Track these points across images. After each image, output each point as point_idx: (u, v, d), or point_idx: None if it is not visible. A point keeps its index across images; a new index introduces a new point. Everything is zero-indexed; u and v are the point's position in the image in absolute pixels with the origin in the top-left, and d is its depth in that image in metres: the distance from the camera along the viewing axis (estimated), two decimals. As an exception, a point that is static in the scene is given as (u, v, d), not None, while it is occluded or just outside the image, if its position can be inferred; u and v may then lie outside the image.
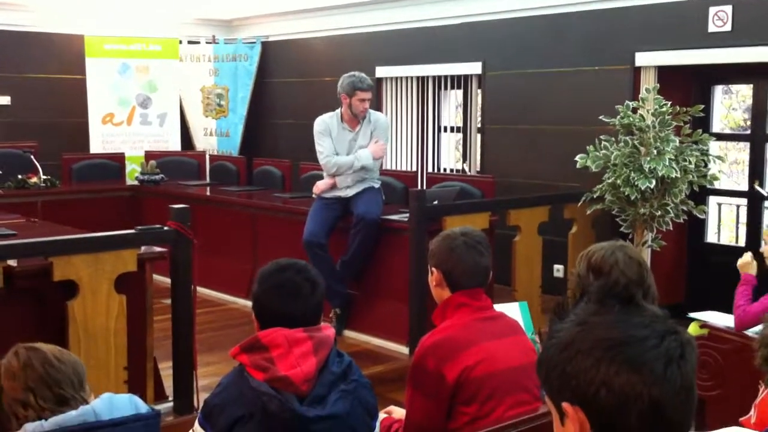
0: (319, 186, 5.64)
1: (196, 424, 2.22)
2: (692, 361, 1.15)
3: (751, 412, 2.51)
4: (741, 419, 2.48)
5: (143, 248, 3.97)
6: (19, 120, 8.45)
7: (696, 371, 1.16)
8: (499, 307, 2.85)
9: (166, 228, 3.99)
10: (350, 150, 5.57)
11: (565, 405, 1.16)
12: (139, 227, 4.04)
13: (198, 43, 9.41)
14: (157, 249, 4.07)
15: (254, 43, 9.40)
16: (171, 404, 4.10)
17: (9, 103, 8.49)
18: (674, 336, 1.14)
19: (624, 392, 1.11)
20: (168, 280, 4.13)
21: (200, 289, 5.61)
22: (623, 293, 1.19)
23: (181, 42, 9.19)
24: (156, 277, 4.23)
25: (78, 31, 8.68)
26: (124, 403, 2.07)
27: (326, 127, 5.59)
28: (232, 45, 9.46)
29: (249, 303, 6.29)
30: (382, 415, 2.72)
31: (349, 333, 5.58)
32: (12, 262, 3.65)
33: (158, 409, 2.39)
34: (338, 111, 5.61)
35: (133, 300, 3.86)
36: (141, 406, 2.11)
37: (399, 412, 2.77)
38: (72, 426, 1.96)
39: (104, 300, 3.74)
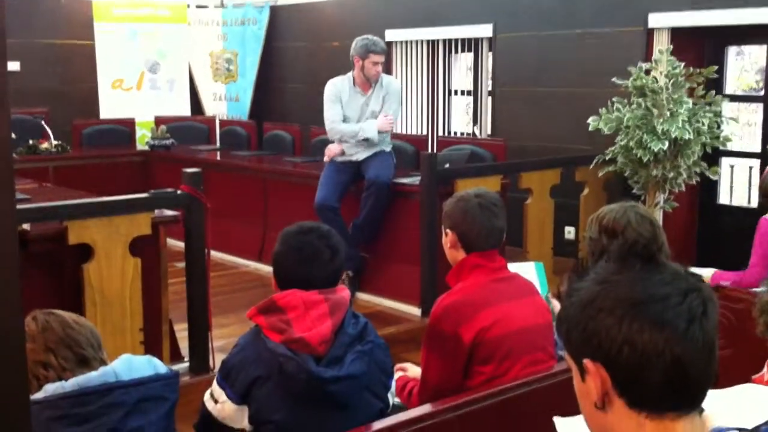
0: (332, 149, 5.63)
1: (215, 383, 2.24)
2: (714, 318, 1.15)
3: (764, 370, 2.52)
4: (754, 377, 2.49)
5: (156, 212, 3.98)
6: (29, 86, 8.43)
7: (717, 328, 1.17)
8: (515, 267, 2.86)
9: (179, 192, 4.00)
10: (361, 114, 5.56)
11: (586, 362, 1.17)
12: (153, 191, 4.06)
13: (206, 7, 9.36)
14: (171, 213, 4.08)
15: (263, 7, 9.33)
16: (187, 364, 4.14)
17: (18, 69, 8.46)
18: (696, 293, 1.14)
19: (647, 350, 1.11)
20: (181, 244, 4.15)
21: (213, 253, 5.63)
22: (643, 252, 1.19)
23: (189, 6, 9.14)
24: (170, 241, 4.25)
25: (86, -4, 8.64)
26: (142, 364, 2.09)
27: (336, 91, 5.56)
28: (241, 9, 9.39)
29: (260, 266, 6.37)
30: (397, 374, 2.74)
31: (361, 295, 5.61)
32: (26, 227, 3.67)
33: (176, 369, 2.41)
34: (350, 74, 5.58)
35: (147, 263, 3.88)
36: (160, 367, 2.13)
37: (414, 370, 2.79)
38: (93, 386, 1.98)
39: (119, 263, 3.77)
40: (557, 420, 1.78)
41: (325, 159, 5.67)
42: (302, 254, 2.26)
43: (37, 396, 1.97)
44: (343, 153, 5.57)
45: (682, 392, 1.14)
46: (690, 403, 1.16)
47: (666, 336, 1.11)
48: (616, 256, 1.21)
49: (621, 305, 1.13)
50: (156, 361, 2.15)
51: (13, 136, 6.62)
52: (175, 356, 4.16)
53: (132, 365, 2.06)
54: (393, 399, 2.44)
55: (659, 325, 1.11)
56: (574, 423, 1.86)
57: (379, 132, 5.49)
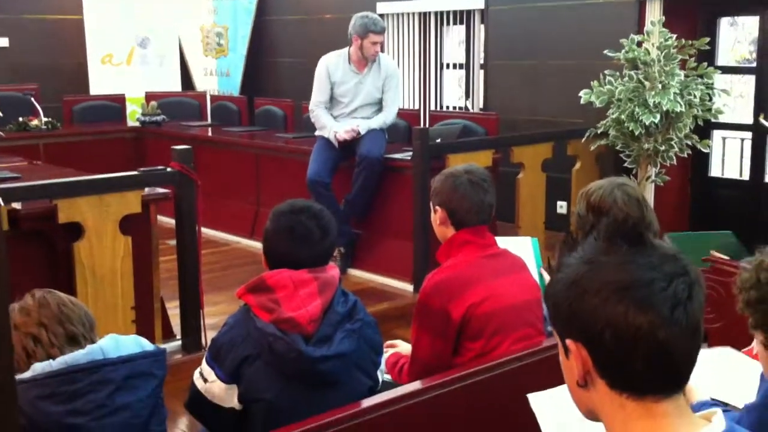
0: (349, 131, 5.52)
1: (204, 363, 2.25)
2: (700, 300, 1.15)
3: (753, 344, 2.53)
4: (744, 350, 2.51)
5: (147, 189, 3.97)
6: (18, 62, 8.37)
7: (703, 309, 1.17)
8: (511, 241, 2.86)
9: (169, 169, 3.99)
10: (356, 93, 5.53)
11: (569, 342, 1.17)
12: (142, 169, 4.04)
13: (196, -20, 9.26)
14: (161, 190, 4.07)
15: (253, -20, 9.24)
16: (179, 342, 4.15)
17: (7, 45, 8.40)
18: (682, 278, 1.14)
19: (629, 334, 1.11)
20: (173, 221, 4.14)
21: (204, 230, 5.63)
22: (632, 232, 1.18)
23: (178, -20, 9.05)
24: (161, 218, 4.24)
25: (74, -30, 8.54)
26: (129, 342, 2.11)
27: (327, 72, 5.52)
28: (231, -18, 9.31)
29: (253, 243, 6.36)
30: (387, 351, 2.75)
31: (353, 272, 5.62)
32: (17, 205, 3.66)
33: (164, 347, 2.41)
34: (346, 50, 5.54)
35: (138, 241, 3.88)
36: (147, 345, 2.14)
37: (404, 347, 2.80)
38: (81, 364, 1.99)
39: (110, 241, 3.76)
40: (531, 396, 1.79)
41: (344, 136, 5.48)
42: (293, 234, 2.26)
43: (25, 375, 1.98)
44: (358, 134, 5.51)
45: (665, 376, 1.15)
46: (673, 385, 1.16)
47: (649, 320, 1.11)
48: (604, 235, 1.20)
49: (606, 288, 1.13)
50: (142, 339, 2.16)
51: (0, 114, 6.47)
52: (167, 334, 4.17)
53: (119, 343, 2.07)
54: (383, 376, 2.45)
55: (643, 309, 1.11)
56: (547, 397, 1.88)
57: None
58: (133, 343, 2.10)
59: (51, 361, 1.99)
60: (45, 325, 2.04)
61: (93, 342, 2.08)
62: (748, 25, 6.44)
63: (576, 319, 1.16)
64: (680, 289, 1.13)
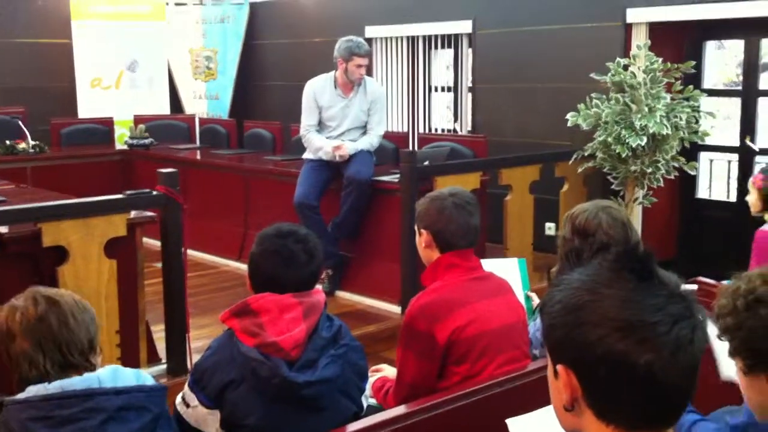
0: (343, 149, 5.50)
1: (186, 387, 2.23)
2: (702, 342, 1.13)
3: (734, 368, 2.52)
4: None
5: (133, 213, 3.95)
6: (6, 85, 8.36)
7: (704, 350, 1.14)
8: (497, 263, 2.85)
9: (155, 192, 3.97)
10: (343, 116, 5.55)
11: (560, 367, 1.15)
12: (128, 192, 4.02)
13: (185, 4, 9.30)
14: (147, 213, 4.05)
15: (242, 3, 9.28)
16: (164, 366, 4.12)
17: (-5, 69, 8.40)
18: (687, 321, 1.11)
19: (626, 373, 1.09)
20: (159, 244, 4.12)
21: (192, 253, 5.61)
22: (641, 266, 1.14)
23: (168, 4, 9.08)
24: (147, 240, 4.22)
25: (63, -6, 8.56)
26: (129, 375, 2.08)
27: (314, 96, 5.54)
28: (220, 6, 9.34)
29: (241, 266, 6.33)
30: (373, 375, 2.74)
31: (341, 293, 5.60)
32: (2, 228, 3.64)
33: (149, 371, 2.38)
34: (333, 74, 5.56)
35: (123, 264, 3.85)
36: (147, 380, 2.11)
37: (390, 371, 2.79)
38: (76, 390, 1.97)
39: (95, 265, 3.74)
40: (510, 421, 1.77)
41: (339, 157, 5.49)
42: (279, 258, 2.25)
43: (19, 396, 1.97)
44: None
45: (657, 414, 1.12)
46: (664, 422, 1.14)
47: (648, 362, 1.08)
48: (612, 265, 1.17)
49: (607, 323, 1.10)
50: (145, 375, 2.13)
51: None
52: (152, 358, 4.13)
53: (117, 375, 2.05)
54: (367, 401, 2.43)
55: (643, 351, 1.08)
56: (526, 422, 1.86)
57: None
58: (133, 376, 2.07)
59: (47, 384, 1.97)
60: (42, 348, 1.99)
61: (94, 367, 2.05)
62: (734, 48, 6.50)
63: (571, 346, 1.13)
64: (683, 333, 1.10)
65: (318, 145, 5.53)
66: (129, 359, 3.75)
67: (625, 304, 1.11)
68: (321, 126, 5.63)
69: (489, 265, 2.74)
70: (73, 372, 2.01)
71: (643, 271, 1.14)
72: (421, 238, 2.61)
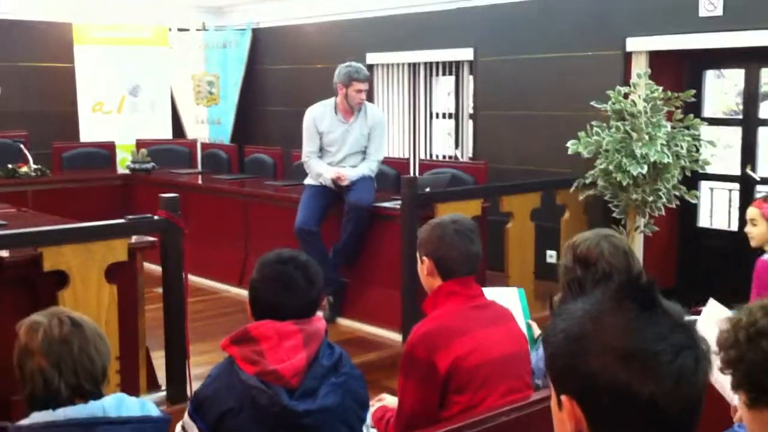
0: (343, 174, 5.51)
1: (186, 416, 2.21)
2: (705, 372, 1.12)
3: (736, 401, 2.51)
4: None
5: (134, 237, 3.95)
6: (9, 109, 8.39)
7: (708, 380, 1.13)
8: (497, 291, 2.84)
9: (156, 217, 3.97)
10: (343, 142, 5.56)
11: (564, 398, 1.14)
12: (129, 216, 4.02)
13: (188, 30, 9.35)
14: (148, 238, 4.05)
15: (244, 29, 9.34)
16: (164, 393, 4.09)
17: (-2, 92, 8.44)
18: (690, 351, 1.10)
19: (629, 403, 1.08)
20: (159, 269, 4.11)
21: (192, 278, 5.58)
22: (644, 294, 1.14)
23: (170, 29, 9.13)
24: (148, 265, 4.21)
25: (66, 19, 8.61)
26: (133, 405, 2.06)
27: (314, 122, 5.57)
28: (222, 32, 9.40)
29: (241, 291, 6.31)
30: (374, 404, 2.72)
31: (342, 320, 5.58)
32: (2, 252, 3.63)
33: (149, 396, 2.37)
34: (333, 100, 5.59)
35: (124, 289, 3.84)
36: (152, 410, 2.10)
37: (391, 400, 2.77)
38: (80, 418, 1.95)
39: (95, 290, 3.73)
40: None
41: (341, 181, 5.50)
42: (278, 284, 2.24)
43: (24, 422, 1.96)
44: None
45: None
46: None
47: (651, 392, 1.07)
48: (614, 294, 1.16)
49: (609, 352, 1.09)
50: (150, 405, 2.12)
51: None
52: (152, 384, 4.11)
53: (122, 404, 2.03)
54: (368, 431, 2.41)
55: (646, 381, 1.07)
56: None
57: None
58: (138, 406, 2.06)
59: (51, 410, 1.96)
60: (61, 371, 1.97)
61: (101, 395, 2.03)
62: (734, 76, 6.53)
63: (574, 376, 1.12)
64: (687, 363, 1.09)
65: (318, 171, 5.55)
66: (129, 385, 3.73)
67: (627, 333, 1.10)
68: (322, 151, 5.65)
69: (488, 293, 2.73)
70: (80, 399, 1.99)
71: (645, 300, 1.13)
72: (423, 266, 2.60)
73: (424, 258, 2.60)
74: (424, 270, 2.61)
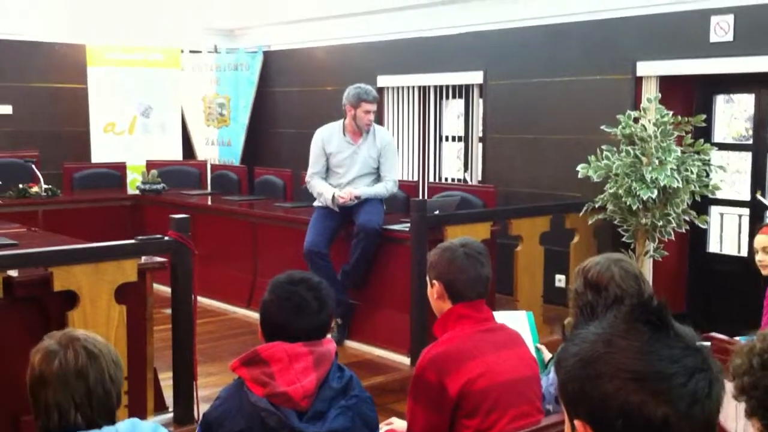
0: (345, 195, 5.51)
1: (196, 437, 2.20)
2: (718, 396, 1.11)
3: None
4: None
5: (143, 258, 3.95)
6: (21, 129, 8.45)
7: (721, 404, 1.13)
8: (506, 315, 2.83)
9: (166, 238, 3.98)
10: (351, 163, 5.57)
11: (577, 423, 1.14)
12: (139, 237, 4.03)
13: (200, 52, 9.42)
14: (158, 259, 4.05)
15: (256, 52, 9.40)
16: (171, 415, 4.08)
17: (11, 113, 8.49)
18: (703, 374, 1.10)
19: (642, 426, 1.07)
20: (169, 290, 4.11)
21: (201, 299, 5.59)
22: (655, 317, 1.14)
23: (182, 51, 9.20)
24: (156, 286, 4.21)
25: (80, 41, 8.69)
26: (147, 429, 2.05)
27: (322, 144, 5.59)
28: (234, 54, 9.46)
29: (250, 313, 6.31)
30: (383, 428, 2.70)
31: (350, 343, 5.56)
32: (12, 272, 3.64)
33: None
34: (342, 122, 5.61)
35: (133, 310, 3.84)
36: None
37: (400, 424, 2.75)
38: None
39: (104, 310, 3.73)
40: None
41: (340, 201, 5.50)
42: (290, 305, 2.24)
43: None
44: (357, 198, 5.52)
45: None
46: None
47: (665, 414, 1.07)
48: (626, 317, 1.16)
49: (622, 375, 1.09)
50: (162, 429, 2.11)
51: (-1, 182, 6.42)
52: (159, 406, 4.09)
53: (136, 430, 2.02)
54: (377, 454, 2.40)
55: (660, 404, 1.07)
56: None
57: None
58: (150, 431, 2.05)
59: None
60: (77, 404, 1.95)
61: (113, 422, 2.02)
62: (744, 101, 6.53)
63: (587, 400, 1.12)
64: (700, 386, 1.09)
65: (319, 191, 5.56)
66: (136, 407, 3.72)
67: (640, 355, 1.10)
68: (330, 173, 5.66)
69: (497, 317, 2.73)
70: (95, 427, 1.98)
71: (657, 322, 1.13)
72: (433, 290, 2.60)
73: (434, 281, 2.59)
74: (434, 293, 2.61)
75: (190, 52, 9.35)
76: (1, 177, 7.09)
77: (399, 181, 5.92)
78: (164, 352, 4.25)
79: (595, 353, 1.13)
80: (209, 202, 7.44)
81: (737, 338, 2.96)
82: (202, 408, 3.92)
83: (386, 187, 5.60)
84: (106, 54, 8.76)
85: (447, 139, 7.94)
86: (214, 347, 5.32)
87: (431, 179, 7.86)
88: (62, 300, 3.68)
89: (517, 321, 3.13)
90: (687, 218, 5.53)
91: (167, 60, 9.02)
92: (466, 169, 7.69)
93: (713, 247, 6.30)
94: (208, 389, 4.20)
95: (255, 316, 5.90)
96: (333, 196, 5.45)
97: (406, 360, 5.16)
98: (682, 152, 5.51)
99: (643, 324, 1.13)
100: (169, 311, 4.13)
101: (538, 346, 3.21)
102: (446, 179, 7.87)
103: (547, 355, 3.18)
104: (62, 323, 3.64)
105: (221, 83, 9.41)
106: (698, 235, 6.15)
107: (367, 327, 5.59)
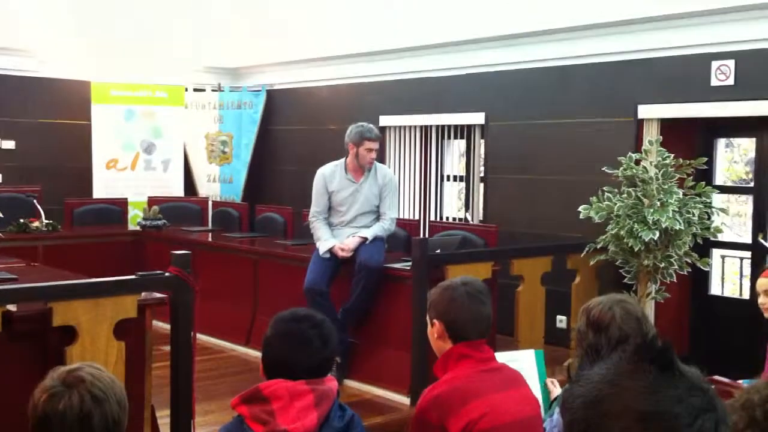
0: (347, 246, 5.52)
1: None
2: None
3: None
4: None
5: (143, 294, 3.93)
6: (24, 164, 8.48)
7: None
8: (513, 355, 2.81)
9: (166, 274, 3.96)
10: (353, 201, 5.58)
11: None
12: (140, 273, 4.01)
13: (204, 90, 9.49)
14: (158, 295, 4.03)
15: (259, 91, 9.47)
16: (168, 453, 4.03)
17: (14, 148, 8.53)
18: (709, 414, 1.09)
19: None
20: (167, 326, 4.08)
21: (199, 336, 5.56)
22: (662, 357, 1.13)
23: (186, 89, 9.27)
24: (155, 322, 4.18)
25: (84, 77, 8.76)
26: None
27: (323, 183, 5.60)
28: (237, 93, 9.53)
29: (249, 351, 6.26)
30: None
31: (349, 382, 5.51)
32: (11, 307, 3.62)
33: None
34: (343, 160, 5.64)
35: (132, 346, 3.81)
36: None
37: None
38: None
39: (103, 346, 3.70)
40: None
41: (340, 255, 5.51)
42: (292, 341, 2.23)
43: None
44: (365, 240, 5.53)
45: None
46: None
47: None
48: (631, 357, 1.15)
49: (628, 415, 1.08)
50: None
51: (0, 215, 6.51)
52: (157, 443, 4.05)
53: None
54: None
55: None
56: None
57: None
58: None
59: None
60: None
61: None
62: (744, 146, 6.56)
63: None
64: (706, 426, 1.08)
65: (318, 236, 5.58)
66: (132, 444, 3.67)
67: (645, 395, 1.09)
68: (332, 211, 5.67)
69: (505, 357, 2.71)
70: None
71: (663, 362, 1.13)
72: (433, 329, 2.58)
73: (435, 321, 2.58)
74: (434, 333, 2.59)
75: (194, 90, 9.42)
76: (2, 211, 7.09)
77: (400, 219, 5.93)
78: (162, 389, 4.21)
79: (600, 393, 1.12)
80: (210, 239, 7.44)
81: (740, 381, 2.94)
82: (199, 446, 3.88)
83: (383, 227, 5.60)
84: (111, 91, 8.82)
85: (448, 178, 7.97)
86: (211, 385, 5.28)
87: (432, 218, 7.87)
88: (61, 335, 3.65)
89: (525, 360, 3.10)
90: (689, 260, 5.52)
91: (171, 98, 9.08)
92: (467, 209, 7.70)
93: (715, 289, 6.28)
94: (206, 427, 4.17)
95: (254, 353, 5.87)
96: (330, 248, 5.46)
97: (406, 400, 5.11)
98: (684, 194, 5.51)
99: (648, 364, 1.13)
100: (167, 348, 4.09)
101: (551, 381, 3.14)
102: (447, 218, 7.87)
103: (558, 390, 3.12)
104: (61, 359, 3.61)
105: (224, 121, 9.47)
106: (700, 278, 6.13)
107: (366, 366, 5.54)
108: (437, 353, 2.61)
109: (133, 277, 3.93)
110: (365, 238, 5.49)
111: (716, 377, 3.16)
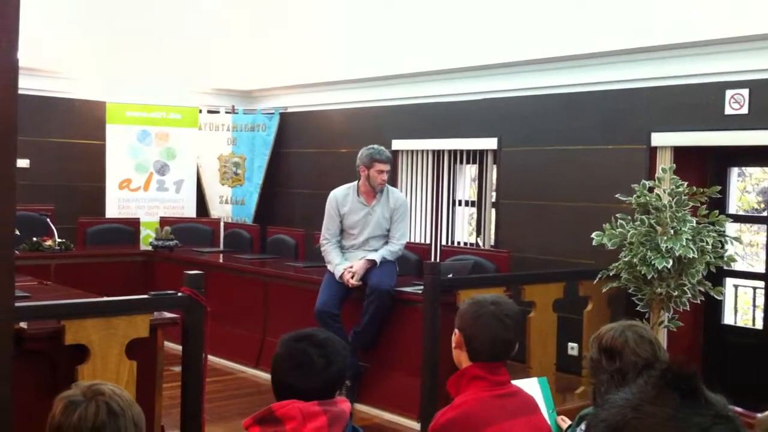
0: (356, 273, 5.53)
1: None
2: None
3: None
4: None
5: (155, 314, 3.93)
6: (37, 183, 8.52)
7: None
8: (516, 384, 2.78)
9: (179, 294, 3.96)
10: (365, 224, 5.59)
11: None
12: (153, 292, 4.02)
13: (218, 112, 9.54)
14: (169, 315, 4.03)
15: (273, 113, 9.52)
16: (176, 475, 4.01)
17: (28, 166, 8.58)
18: None
19: None
20: (178, 347, 4.08)
21: (209, 357, 5.56)
22: (686, 384, 1.14)
23: (201, 111, 9.32)
24: (166, 343, 4.18)
25: (100, 98, 8.82)
26: None
27: (336, 205, 5.62)
28: (251, 115, 9.58)
29: (258, 372, 6.25)
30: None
31: (359, 406, 5.49)
32: (23, 325, 3.63)
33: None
34: (355, 184, 5.65)
35: (143, 366, 3.81)
36: None
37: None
38: None
39: (114, 365, 3.70)
40: None
41: (353, 282, 5.54)
42: (292, 361, 2.21)
43: None
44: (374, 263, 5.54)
45: None
46: None
47: None
48: (656, 382, 1.14)
49: None
50: None
51: (17, 232, 6.58)
52: (165, 465, 4.03)
53: None
54: None
55: None
56: None
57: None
58: None
59: None
60: None
61: None
62: (756, 175, 6.54)
63: None
64: None
65: (329, 259, 5.59)
66: (141, 465, 3.65)
67: (669, 422, 1.07)
68: (343, 234, 5.67)
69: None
70: None
71: (687, 388, 1.10)
72: (455, 338, 2.58)
73: (457, 330, 2.57)
74: (454, 342, 2.59)
75: (208, 111, 9.47)
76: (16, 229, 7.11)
77: (411, 243, 5.92)
78: (171, 410, 4.20)
79: (623, 419, 1.11)
80: (221, 260, 7.44)
81: (758, 415, 2.90)
82: (208, 468, 3.86)
83: (391, 250, 5.60)
84: (126, 112, 8.88)
85: (460, 203, 7.96)
86: (221, 406, 5.26)
87: (444, 243, 7.85)
88: (72, 354, 3.65)
89: (529, 389, 3.07)
90: (702, 289, 5.48)
91: (185, 119, 9.14)
92: (478, 234, 7.69)
93: (728, 318, 6.24)
94: (215, 449, 4.14)
95: (263, 375, 5.85)
96: (341, 272, 5.49)
97: (416, 425, 5.08)
98: (698, 222, 5.49)
99: (672, 390, 1.12)
100: (178, 368, 4.09)
101: (561, 418, 3.11)
102: (458, 243, 7.86)
103: (566, 424, 3.09)
104: (72, 377, 3.61)
105: (237, 143, 9.51)
106: (713, 307, 6.09)
107: (376, 390, 5.52)
108: (456, 363, 2.60)
109: (145, 296, 3.94)
110: (373, 261, 5.50)
111: (735, 408, 3.13)
